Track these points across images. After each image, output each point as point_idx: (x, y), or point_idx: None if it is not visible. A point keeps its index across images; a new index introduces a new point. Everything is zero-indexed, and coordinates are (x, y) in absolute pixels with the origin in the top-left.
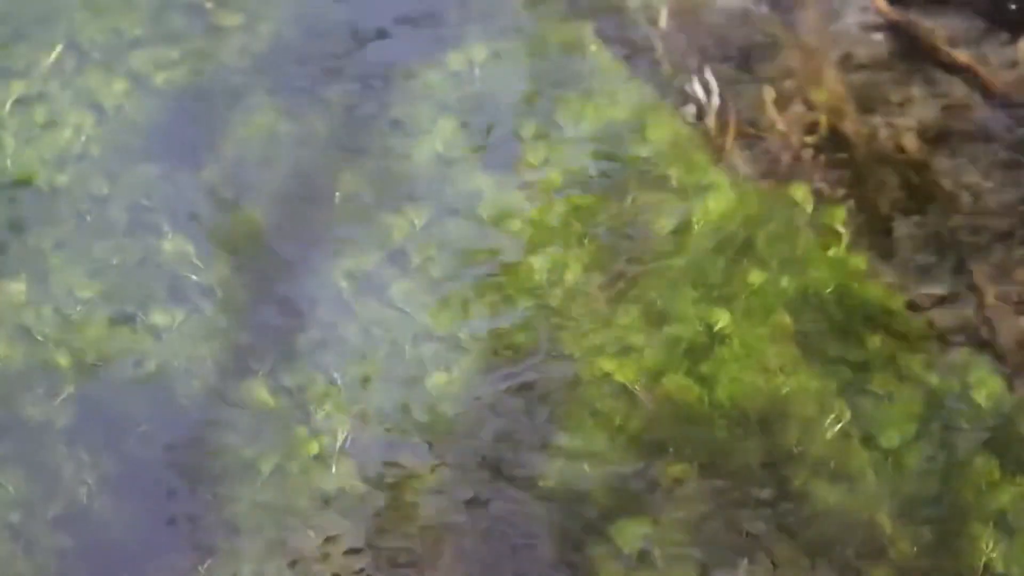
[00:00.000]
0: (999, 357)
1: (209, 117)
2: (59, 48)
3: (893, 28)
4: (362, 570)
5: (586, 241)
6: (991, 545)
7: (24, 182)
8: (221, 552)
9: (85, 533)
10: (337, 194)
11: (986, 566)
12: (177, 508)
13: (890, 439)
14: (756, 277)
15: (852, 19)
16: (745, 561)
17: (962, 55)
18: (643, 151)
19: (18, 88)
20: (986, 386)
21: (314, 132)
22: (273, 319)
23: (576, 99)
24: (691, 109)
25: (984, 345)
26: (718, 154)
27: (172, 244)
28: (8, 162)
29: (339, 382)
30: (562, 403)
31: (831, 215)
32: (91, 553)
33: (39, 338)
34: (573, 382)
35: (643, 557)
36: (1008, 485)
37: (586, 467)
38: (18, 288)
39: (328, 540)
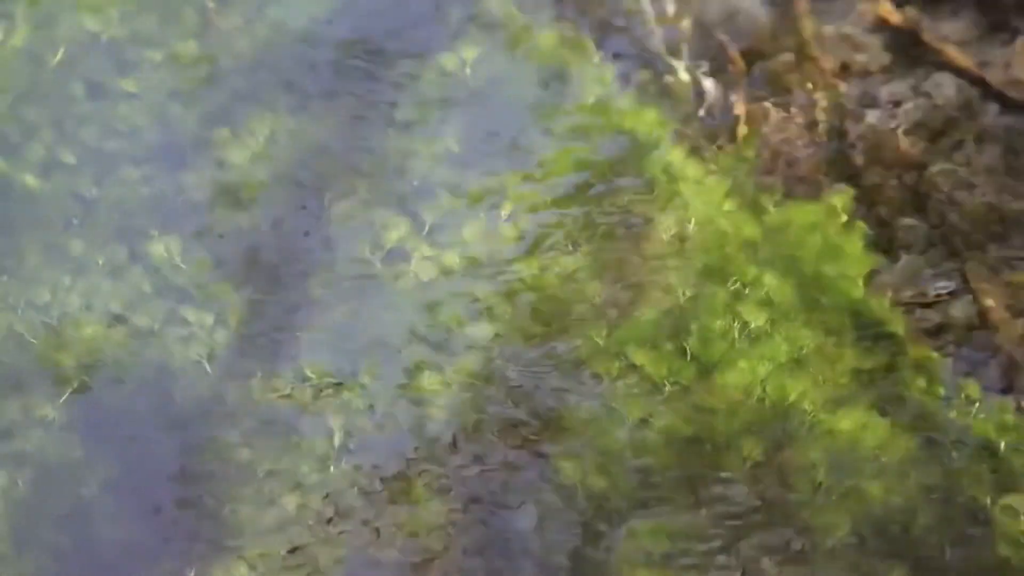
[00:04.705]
0: (997, 357)
1: (210, 117)
2: (62, 51)
3: (893, 28)
4: (362, 568)
5: (589, 242)
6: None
7: (18, 181)
8: (218, 552)
9: (83, 533)
10: (337, 194)
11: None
12: (173, 508)
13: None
14: (752, 273)
15: (853, 19)
16: (774, 558)
17: (962, 55)
18: (642, 151)
19: (16, 85)
20: (983, 392)
21: (313, 132)
22: (272, 319)
23: (576, 101)
24: (692, 110)
25: (983, 345)
26: (719, 155)
27: (167, 244)
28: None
29: (338, 381)
30: (574, 400)
31: (832, 220)
32: (88, 552)
33: (36, 340)
34: (587, 378)
35: (667, 556)
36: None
37: (605, 464)
38: (12, 292)
39: (326, 539)
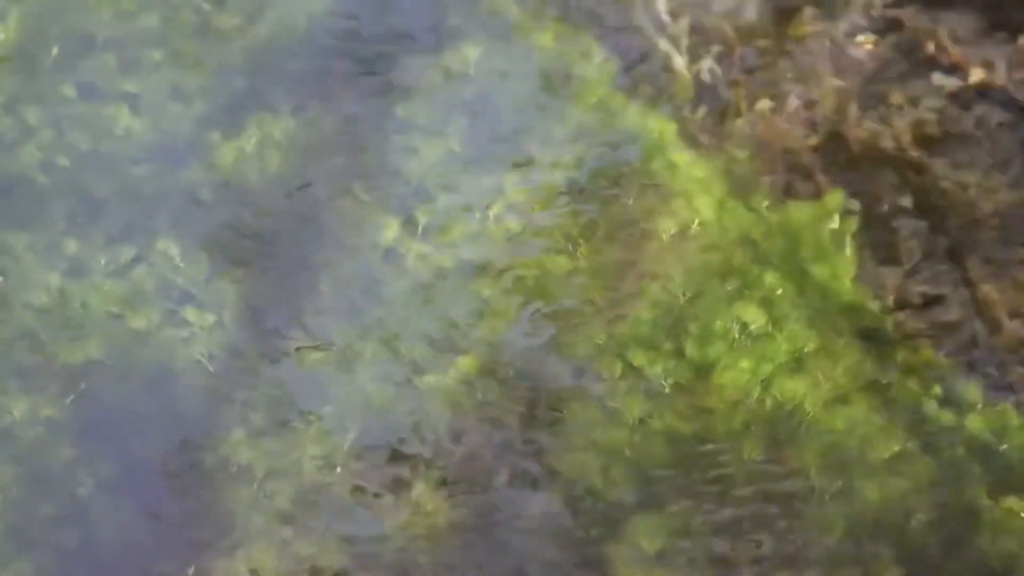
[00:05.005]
0: (996, 357)
1: (209, 118)
2: (55, 49)
3: (893, 29)
4: (363, 570)
5: (589, 241)
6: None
7: (16, 181)
8: (217, 551)
9: (82, 532)
10: (337, 194)
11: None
12: (172, 507)
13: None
14: (752, 272)
15: (853, 19)
16: (771, 558)
17: (962, 54)
18: (643, 151)
19: (10, 86)
20: (982, 392)
21: (314, 132)
22: (272, 319)
23: (577, 101)
24: (693, 109)
25: (982, 345)
26: (720, 155)
27: (168, 244)
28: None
29: (339, 382)
30: (573, 400)
31: (831, 221)
32: (87, 552)
33: (34, 341)
34: (587, 378)
35: (663, 556)
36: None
37: (603, 464)
38: (11, 292)
39: (328, 540)
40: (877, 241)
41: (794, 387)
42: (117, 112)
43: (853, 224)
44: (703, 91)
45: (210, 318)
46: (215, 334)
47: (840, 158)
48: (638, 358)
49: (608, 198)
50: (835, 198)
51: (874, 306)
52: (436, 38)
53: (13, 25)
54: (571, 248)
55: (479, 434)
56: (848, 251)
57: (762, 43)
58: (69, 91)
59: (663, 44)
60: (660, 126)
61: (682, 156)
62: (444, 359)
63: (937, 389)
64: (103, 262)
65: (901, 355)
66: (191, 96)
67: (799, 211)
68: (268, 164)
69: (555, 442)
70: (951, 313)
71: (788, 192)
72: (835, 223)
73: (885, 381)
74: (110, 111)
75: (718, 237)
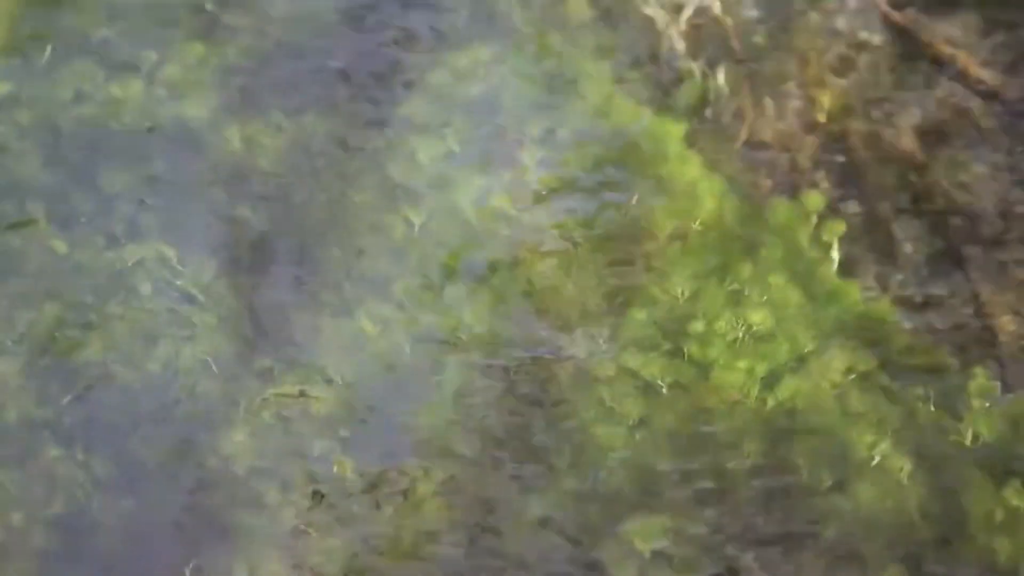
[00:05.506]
0: (996, 357)
1: (208, 118)
2: (49, 48)
3: (893, 29)
4: (363, 570)
5: (589, 241)
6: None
7: (14, 182)
8: (216, 551)
9: (78, 533)
10: (337, 194)
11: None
12: (172, 509)
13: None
14: (753, 272)
15: (852, 20)
16: (771, 559)
17: (961, 55)
18: (644, 151)
19: (7, 87)
20: (981, 392)
21: (316, 132)
22: (272, 319)
23: (579, 101)
24: (695, 109)
25: (982, 345)
26: (720, 155)
27: (169, 245)
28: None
29: (339, 382)
30: (571, 400)
31: (829, 224)
32: (83, 553)
33: (43, 337)
34: (584, 379)
35: (659, 556)
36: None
37: (602, 464)
38: (11, 292)
39: (328, 541)
40: (877, 241)
41: (794, 387)
42: (115, 112)
43: (853, 224)
44: (705, 91)
45: (212, 318)
46: (216, 335)
47: (840, 158)
48: (637, 358)
49: (608, 198)
50: (834, 198)
51: (874, 306)
52: (440, 38)
53: (6, 24)
54: (571, 248)
55: (479, 434)
56: (848, 251)
57: (765, 42)
58: (65, 91)
59: (666, 44)
60: (662, 126)
61: (683, 156)
62: (446, 359)
63: (937, 388)
64: (104, 262)
65: (901, 355)
66: (190, 97)
67: (799, 211)
68: (268, 164)
69: (554, 442)
70: (951, 313)
71: (788, 192)
72: (834, 223)
73: (885, 381)
74: (107, 111)
75: (718, 236)
